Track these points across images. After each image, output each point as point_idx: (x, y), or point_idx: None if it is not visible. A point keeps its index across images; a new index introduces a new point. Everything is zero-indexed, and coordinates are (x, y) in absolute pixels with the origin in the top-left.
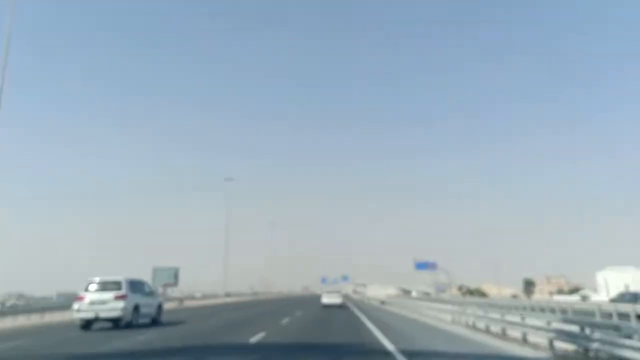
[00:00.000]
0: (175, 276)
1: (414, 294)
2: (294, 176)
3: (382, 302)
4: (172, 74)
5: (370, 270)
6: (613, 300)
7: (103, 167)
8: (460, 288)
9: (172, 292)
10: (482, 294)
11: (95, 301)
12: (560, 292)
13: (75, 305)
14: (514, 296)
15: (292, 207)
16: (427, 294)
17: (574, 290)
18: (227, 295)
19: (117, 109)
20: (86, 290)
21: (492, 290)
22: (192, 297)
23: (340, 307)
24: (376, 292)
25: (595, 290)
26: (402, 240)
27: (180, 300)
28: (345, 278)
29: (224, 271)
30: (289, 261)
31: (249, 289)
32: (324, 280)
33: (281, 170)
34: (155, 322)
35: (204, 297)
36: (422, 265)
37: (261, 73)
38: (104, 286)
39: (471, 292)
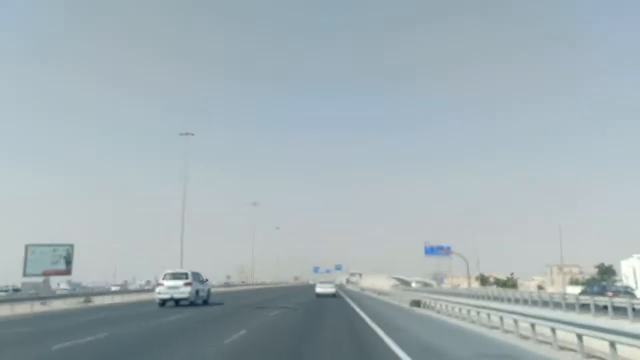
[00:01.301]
0: (67, 259)
1: (413, 284)
2: (280, 154)
3: (415, 303)
4: None
5: (365, 260)
6: (583, 293)
7: None
8: (479, 278)
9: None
10: (514, 285)
11: (171, 286)
12: (576, 283)
13: (157, 289)
14: (540, 287)
15: (279, 190)
16: (427, 284)
17: (591, 281)
18: None
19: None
20: (163, 278)
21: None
22: (107, 292)
23: (334, 296)
24: (372, 282)
25: (621, 280)
26: (399, 228)
27: (87, 297)
28: (338, 267)
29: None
30: (276, 249)
31: (226, 279)
32: (316, 270)
33: (266, 146)
34: (205, 302)
35: (126, 291)
36: (433, 250)
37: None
38: (176, 276)
39: (503, 284)
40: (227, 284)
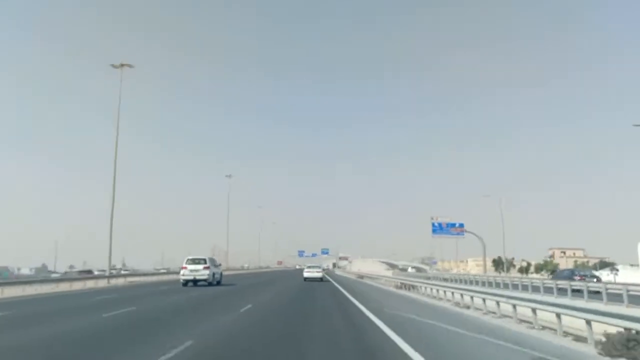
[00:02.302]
0: None
1: (410, 269)
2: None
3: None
4: None
5: (351, 243)
6: (554, 277)
7: None
8: (496, 261)
9: None
10: (554, 270)
11: (193, 270)
12: (582, 267)
13: (181, 272)
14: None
15: (263, 171)
16: (420, 269)
17: (604, 265)
18: (111, 273)
19: None
20: (186, 263)
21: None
22: None
23: (321, 280)
24: (359, 266)
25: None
26: (388, 211)
27: None
28: (325, 251)
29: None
30: (257, 231)
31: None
32: (301, 254)
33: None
34: (218, 283)
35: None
36: (442, 229)
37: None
38: (196, 261)
39: (541, 268)
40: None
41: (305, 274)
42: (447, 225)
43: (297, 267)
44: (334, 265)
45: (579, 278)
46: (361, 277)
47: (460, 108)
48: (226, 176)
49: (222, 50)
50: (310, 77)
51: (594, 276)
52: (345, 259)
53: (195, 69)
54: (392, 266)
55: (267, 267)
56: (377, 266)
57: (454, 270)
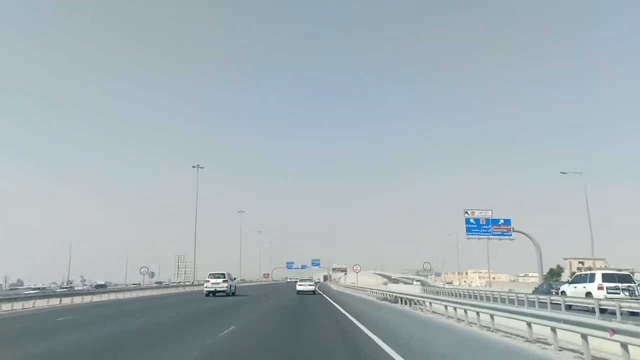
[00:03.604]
0: None
1: (415, 283)
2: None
3: None
4: None
5: (342, 255)
6: (535, 291)
7: None
8: (557, 273)
9: None
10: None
11: (214, 283)
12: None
13: (205, 284)
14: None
15: (249, 181)
16: (423, 283)
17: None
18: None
19: None
20: (208, 277)
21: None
22: None
23: (314, 293)
24: (353, 279)
25: None
26: (381, 221)
27: None
28: (315, 262)
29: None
30: (238, 240)
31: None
32: (289, 266)
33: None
34: (233, 294)
35: None
36: (479, 227)
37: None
38: (216, 276)
39: None
40: (100, 287)
41: (299, 287)
42: (487, 221)
43: (288, 280)
44: (325, 277)
45: (555, 292)
46: (395, 300)
47: (472, 116)
48: (193, 167)
49: (221, 56)
50: (310, 86)
51: None
52: (343, 270)
53: (191, 74)
54: (388, 278)
55: (251, 281)
56: (372, 279)
57: (455, 283)
